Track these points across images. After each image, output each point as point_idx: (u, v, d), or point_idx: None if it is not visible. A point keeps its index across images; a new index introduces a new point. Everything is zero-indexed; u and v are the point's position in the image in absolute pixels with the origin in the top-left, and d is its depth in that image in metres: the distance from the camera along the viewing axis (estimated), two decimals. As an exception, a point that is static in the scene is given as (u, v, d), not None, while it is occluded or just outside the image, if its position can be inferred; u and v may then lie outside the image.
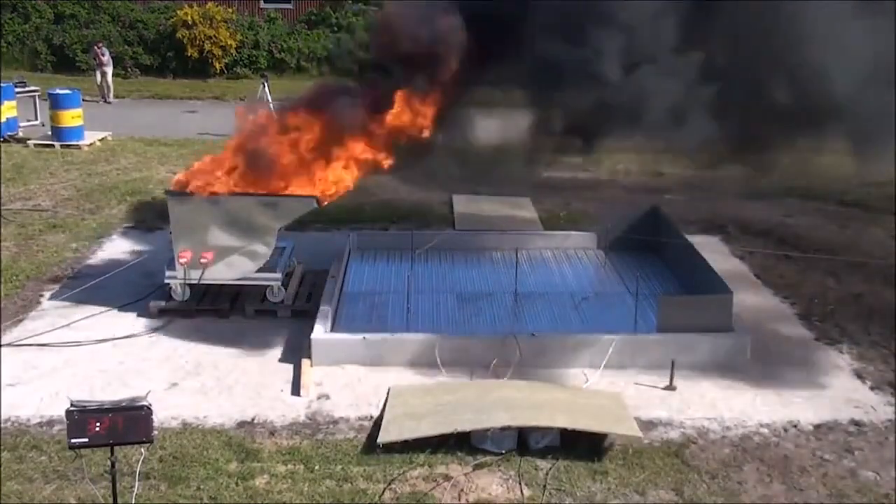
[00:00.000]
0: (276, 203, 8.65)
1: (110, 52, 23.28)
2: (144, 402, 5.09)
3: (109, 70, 22.61)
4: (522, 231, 11.46)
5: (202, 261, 8.68)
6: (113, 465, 5.15)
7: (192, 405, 7.28)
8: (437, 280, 9.71)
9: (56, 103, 17.08)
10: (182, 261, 8.68)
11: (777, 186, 12.74)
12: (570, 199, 13.12)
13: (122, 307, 9.15)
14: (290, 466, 6.45)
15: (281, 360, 8.12)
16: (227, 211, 8.63)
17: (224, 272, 8.84)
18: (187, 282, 8.84)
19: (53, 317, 8.96)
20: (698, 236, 10.81)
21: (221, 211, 8.63)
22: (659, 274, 9.88)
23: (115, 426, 4.98)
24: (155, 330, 8.69)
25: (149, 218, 12.34)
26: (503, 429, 6.61)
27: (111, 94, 22.49)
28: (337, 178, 8.52)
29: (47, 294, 9.59)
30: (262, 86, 18.66)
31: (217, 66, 26.18)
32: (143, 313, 9.00)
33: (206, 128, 18.96)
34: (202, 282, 8.89)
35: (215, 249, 8.69)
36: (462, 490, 6.20)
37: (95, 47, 23.06)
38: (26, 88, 19.11)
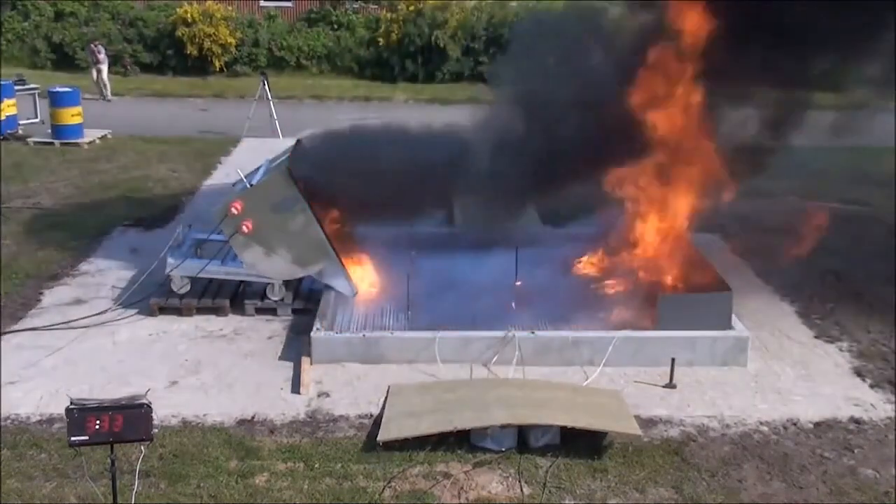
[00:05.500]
0: (327, 256, 8.71)
1: (108, 50, 23.27)
2: (144, 400, 5.09)
3: (104, 68, 22.59)
4: (522, 229, 11.42)
5: (243, 228, 8.65)
6: (113, 464, 5.16)
7: (192, 403, 7.28)
8: (437, 278, 9.69)
9: (56, 101, 17.08)
10: (233, 210, 8.61)
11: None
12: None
13: (123, 305, 9.16)
14: (290, 464, 6.45)
15: (281, 359, 8.13)
16: (304, 224, 8.64)
17: (252, 256, 8.80)
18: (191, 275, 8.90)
19: (53, 315, 8.96)
20: (698, 234, 10.80)
21: (301, 219, 8.64)
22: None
23: (115, 424, 4.98)
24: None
25: (149, 216, 12.34)
26: (503, 427, 6.61)
27: (108, 91, 22.45)
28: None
29: (47, 292, 9.60)
30: (261, 84, 18.66)
31: (217, 63, 26.16)
32: (143, 311, 9.00)
33: (207, 126, 18.98)
34: (207, 275, 8.90)
35: (263, 232, 8.66)
36: (462, 488, 6.21)
37: (92, 45, 23.07)
38: (26, 86, 19.10)
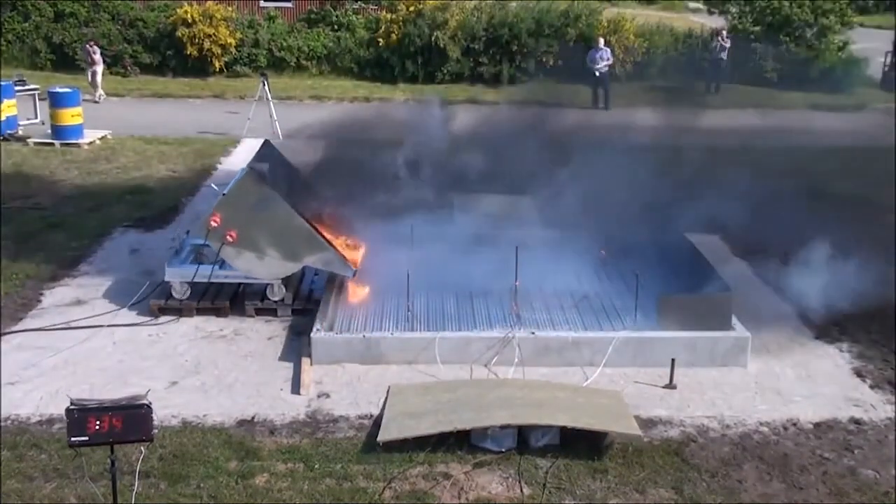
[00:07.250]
0: (317, 244, 8.70)
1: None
2: (144, 401, 5.09)
3: (100, 69, 22.54)
4: (522, 228, 11.41)
5: (228, 238, 8.66)
6: (113, 464, 5.16)
7: (192, 404, 7.29)
8: (437, 278, 9.68)
9: (56, 102, 17.06)
10: (213, 224, 8.65)
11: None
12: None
13: (123, 306, 9.16)
14: (290, 465, 6.45)
15: (281, 359, 8.13)
16: (285, 218, 8.65)
17: (245, 263, 8.81)
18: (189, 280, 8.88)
19: (53, 315, 8.96)
20: (698, 235, 10.80)
21: (281, 214, 8.64)
22: (659, 273, 9.86)
23: (115, 425, 4.99)
24: (151, 324, 8.70)
25: (149, 216, 12.33)
26: (503, 427, 6.61)
27: (98, 93, 22.33)
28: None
29: (47, 293, 9.59)
30: (261, 84, 18.65)
31: (217, 64, 26.12)
32: (143, 312, 9.00)
33: (207, 126, 18.96)
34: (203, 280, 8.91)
35: (249, 237, 8.67)
36: (462, 488, 6.21)
37: (87, 45, 23.04)
38: (26, 87, 19.08)
